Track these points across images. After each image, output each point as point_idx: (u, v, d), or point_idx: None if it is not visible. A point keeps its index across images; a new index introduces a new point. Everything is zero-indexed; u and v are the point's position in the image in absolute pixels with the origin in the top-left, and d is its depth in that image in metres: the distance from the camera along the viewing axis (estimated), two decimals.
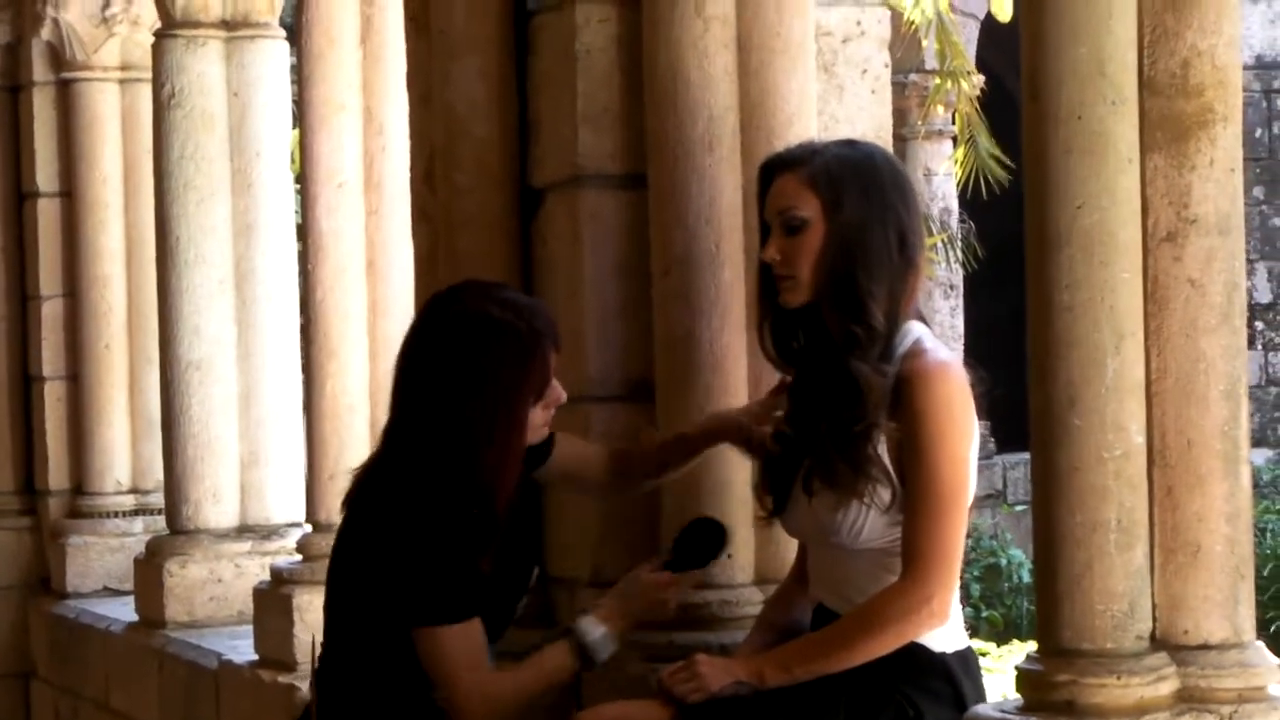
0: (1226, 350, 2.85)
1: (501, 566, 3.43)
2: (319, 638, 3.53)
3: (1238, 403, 2.86)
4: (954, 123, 12.42)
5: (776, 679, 3.23)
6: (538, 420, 3.44)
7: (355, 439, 5.28)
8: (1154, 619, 2.86)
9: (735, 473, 3.63)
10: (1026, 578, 13.63)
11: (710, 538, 3.49)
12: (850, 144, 3.36)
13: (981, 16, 14.13)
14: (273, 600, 5.34)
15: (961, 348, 14.20)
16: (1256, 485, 15.34)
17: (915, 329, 3.27)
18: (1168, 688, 2.81)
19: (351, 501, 3.48)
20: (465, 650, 3.35)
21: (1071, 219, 2.79)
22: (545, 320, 3.44)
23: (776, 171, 3.32)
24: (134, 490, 7.34)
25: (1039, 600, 2.88)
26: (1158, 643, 2.86)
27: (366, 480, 3.48)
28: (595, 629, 3.41)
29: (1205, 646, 2.86)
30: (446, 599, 3.34)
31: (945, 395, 3.17)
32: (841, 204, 3.22)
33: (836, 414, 3.19)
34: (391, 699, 3.40)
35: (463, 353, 3.37)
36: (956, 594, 3.26)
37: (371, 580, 3.38)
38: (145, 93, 6.81)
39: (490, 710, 3.38)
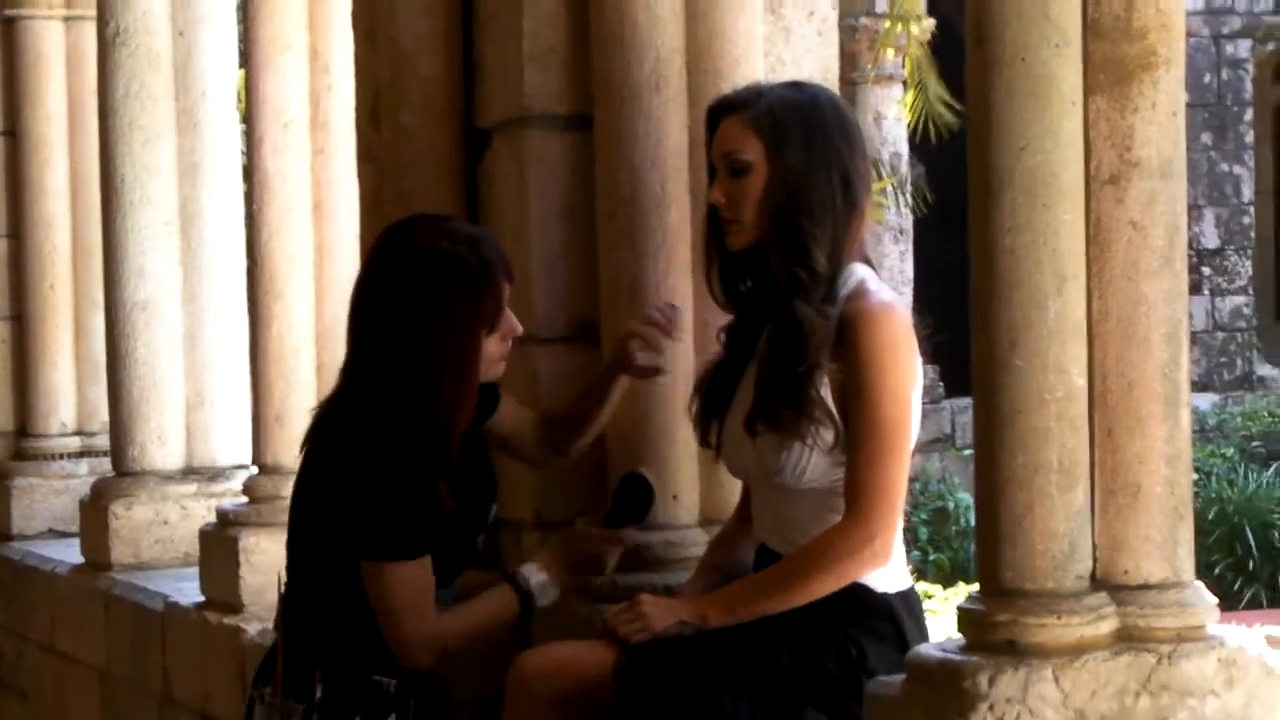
0: (1168, 294, 2.86)
1: (460, 502, 3.44)
2: (283, 576, 3.54)
3: (1179, 345, 2.87)
4: (904, 67, 12.43)
5: (720, 619, 3.24)
6: (494, 352, 3.44)
7: (301, 382, 5.26)
8: (1094, 559, 2.87)
9: (679, 416, 3.63)
10: (974, 521, 13.73)
11: (643, 493, 3.52)
12: (796, 86, 3.37)
13: None
14: (219, 542, 5.33)
15: (911, 293, 14.24)
16: (1201, 429, 15.45)
17: (859, 271, 3.28)
18: (1107, 627, 2.83)
19: (310, 438, 3.49)
20: (411, 590, 3.37)
21: (1014, 161, 2.79)
22: (495, 251, 3.45)
23: (722, 114, 3.34)
24: (79, 432, 7.30)
25: (980, 541, 2.90)
26: (1098, 583, 2.87)
27: (324, 417, 3.49)
28: (537, 575, 3.45)
29: (1145, 586, 2.88)
30: (398, 535, 3.35)
31: (888, 336, 3.19)
32: (784, 147, 3.23)
33: (779, 355, 3.21)
34: (354, 634, 3.41)
35: (414, 287, 3.38)
36: (899, 534, 3.28)
37: (328, 513, 3.40)
38: (90, 30, 6.73)
39: (431, 651, 3.40)
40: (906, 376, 3.20)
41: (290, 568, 3.53)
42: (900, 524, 3.26)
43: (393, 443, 3.34)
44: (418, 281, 3.39)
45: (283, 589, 3.51)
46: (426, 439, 3.36)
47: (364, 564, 3.36)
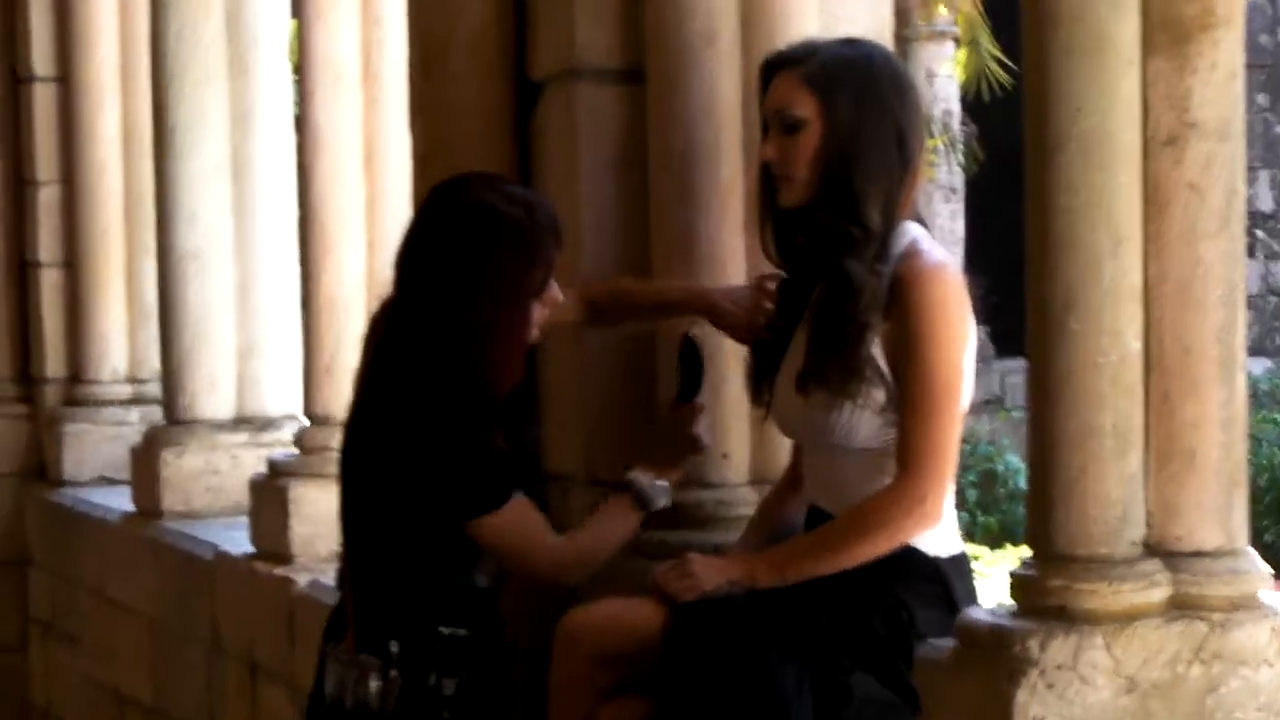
0: (1225, 256, 2.83)
1: (517, 442, 3.45)
2: (335, 531, 3.53)
3: (1235, 309, 2.84)
4: (956, 24, 12.35)
5: (769, 579, 3.23)
6: (535, 318, 3.42)
7: (351, 334, 5.25)
8: (1147, 525, 2.85)
9: (727, 374, 3.61)
10: (1022, 484, 13.64)
11: (695, 356, 3.50)
12: (850, 43, 3.34)
13: None
14: (269, 493, 5.34)
15: (961, 252, 14.17)
16: (1254, 395, 15.35)
17: (912, 230, 3.26)
18: (1160, 594, 2.81)
19: (361, 394, 3.46)
20: (521, 529, 3.38)
21: (1071, 122, 2.77)
22: (548, 216, 3.42)
23: (775, 70, 3.31)
24: (131, 379, 7.31)
25: (1032, 505, 2.88)
26: (1151, 549, 2.85)
27: (374, 373, 3.46)
28: (646, 476, 3.45)
29: (1198, 553, 2.85)
30: (481, 488, 3.34)
31: (940, 295, 3.16)
32: (838, 104, 3.20)
33: (829, 314, 3.18)
34: (423, 588, 3.41)
35: (467, 247, 3.35)
36: (951, 497, 3.26)
37: (400, 483, 3.37)
38: None
39: (568, 575, 3.44)
40: (958, 336, 3.18)
41: (349, 524, 3.50)
42: (952, 487, 3.24)
43: (450, 407, 3.32)
44: (472, 241, 3.35)
45: (340, 545, 3.50)
46: (477, 399, 3.34)
47: (469, 528, 3.36)
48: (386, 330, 3.48)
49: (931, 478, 3.15)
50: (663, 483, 3.46)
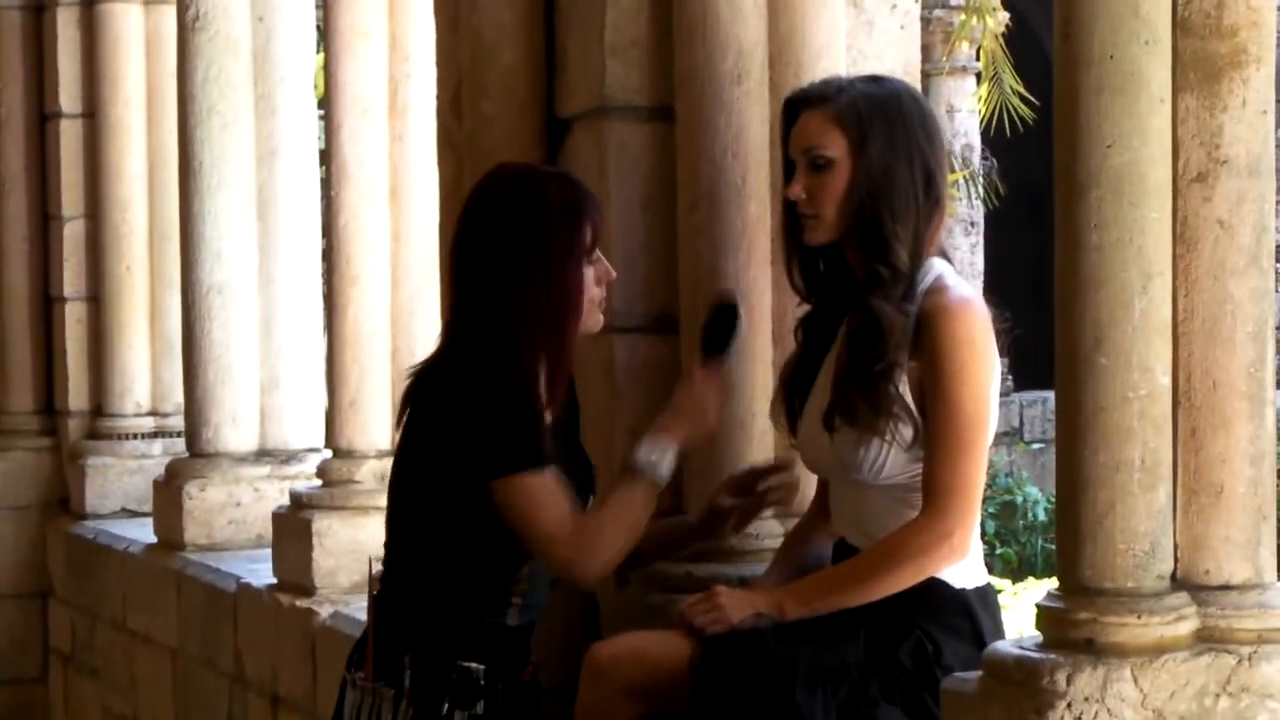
0: (1254, 292, 2.85)
1: (567, 465, 3.40)
2: (374, 561, 3.53)
3: (1264, 344, 2.86)
4: (978, 59, 12.38)
5: (796, 611, 3.24)
6: (593, 293, 3.39)
7: (376, 366, 5.29)
8: (1175, 559, 2.86)
9: (752, 408, 3.63)
10: (1042, 515, 13.66)
11: (726, 319, 3.44)
12: (877, 81, 3.34)
13: None
14: (292, 524, 5.36)
15: (981, 285, 14.18)
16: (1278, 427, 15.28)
17: (937, 266, 3.27)
18: (1187, 627, 2.82)
19: (409, 398, 3.42)
20: (541, 498, 3.29)
21: (1102, 158, 2.78)
22: (586, 190, 3.44)
23: (801, 108, 3.31)
24: (153, 412, 7.35)
25: (1060, 538, 2.89)
26: (1178, 583, 2.86)
27: (424, 375, 3.42)
28: (646, 451, 3.36)
29: (1226, 587, 2.86)
30: (520, 446, 3.28)
31: (966, 331, 3.17)
32: (868, 143, 3.21)
33: (857, 352, 3.20)
34: (445, 619, 3.39)
35: (514, 219, 3.35)
36: (977, 530, 3.27)
37: (434, 461, 3.34)
38: (170, 15, 6.78)
39: (582, 557, 3.32)
40: (984, 372, 3.19)
41: (388, 548, 3.49)
42: (977, 520, 3.25)
43: (500, 372, 3.28)
44: (518, 212, 3.35)
45: (376, 572, 3.50)
46: (529, 371, 3.31)
47: (495, 485, 3.28)
48: (440, 343, 3.48)
49: (958, 513, 3.17)
50: (658, 448, 3.37)
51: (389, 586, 3.46)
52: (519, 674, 3.45)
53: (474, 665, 3.38)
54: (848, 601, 3.22)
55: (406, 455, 3.44)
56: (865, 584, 3.21)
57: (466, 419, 3.30)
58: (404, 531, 3.46)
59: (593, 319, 3.43)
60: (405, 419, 3.43)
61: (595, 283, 3.40)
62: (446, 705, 3.37)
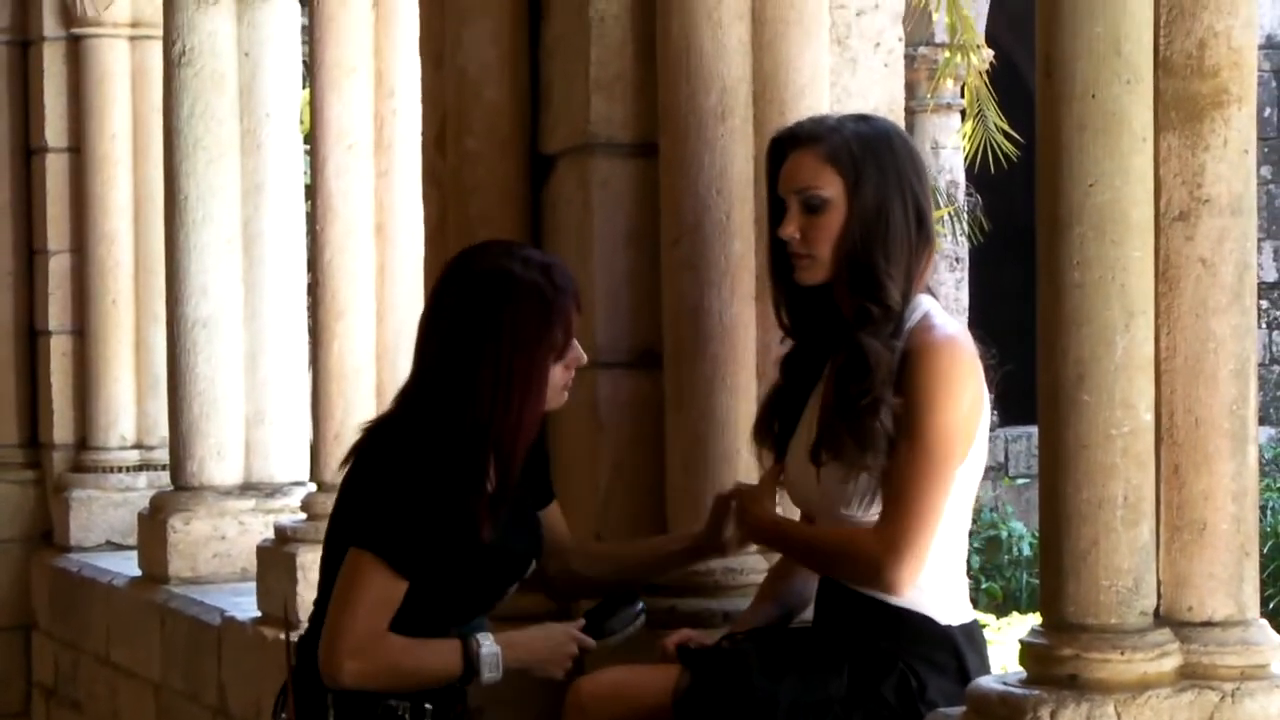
0: (1236, 330, 2.86)
1: (501, 543, 3.39)
2: (306, 600, 3.50)
3: (1246, 382, 2.87)
4: (962, 96, 12.43)
5: (765, 533, 3.41)
6: (558, 380, 3.41)
7: (361, 400, 5.29)
8: (1159, 595, 2.87)
9: (738, 441, 3.64)
10: (1027, 550, 13.66)
11: (623, 611, 3.46)
12: (865, 120, 3.33)
13: None
14: (276, 558, 5.36)
15: (966, 320, 14.20)
16: (1260, 463, 15.30)
17: (924, 303, 3.27)
18: (1171, 664, 2.83)
19: (353, 454, 3.43)
20: (378, 597, 3.28)
21: (1084, 197, 2.80)
22: (567, 278, 3.41)
23: (790, 147, 3.29)
24: (138, 445, 7.34)
25: (1044, 574, 2.90)
26: (1162, 619, 2.87)
27: (371, 434, 3.44)
28: (490, 646, 3.34)
29: (1209, 623, 2.87)
30: (399, 537, 3.28)
31: (945, 368, 3.17)
32: (862, 183, 3.20)
33: (844, 388, 3.20)
34: None
35: (484, 308, 3.34)
36: (960, 566, 3.27)
37: (349, 518, 3.35)
38: (156, 50, 6.79)
39: (355, 661, 3.29)
40: (958, 409, 3.17)
41: (319, 589, 3.47)
42: (926, 555, 3.19)
43: (439, 451, 3.29)
44: (488, 302, 3.34)
45: (293, 614, 3.48)
46: (476, 454, 3.32)
47: (350, 551, 3.28)
48: (393, 404, 3.49)
49: (904, 540, 3.12)
50: (500, 654, 3.32)
51: (315, 627, 3.43)
52: (449, 711, 3.42)
53: (398, 703, 3.36)
54: (791, 554, 3.40)
55: (340, 505, 3.44)
56: (808, 556, 3.35)
57: (379, 482, 3.32)
58: (330, 575, 3.43)
59: (556, 400, 3.43)
60: (346, 471, 3.44)
61: (563, 369, 3.41)
62: None
